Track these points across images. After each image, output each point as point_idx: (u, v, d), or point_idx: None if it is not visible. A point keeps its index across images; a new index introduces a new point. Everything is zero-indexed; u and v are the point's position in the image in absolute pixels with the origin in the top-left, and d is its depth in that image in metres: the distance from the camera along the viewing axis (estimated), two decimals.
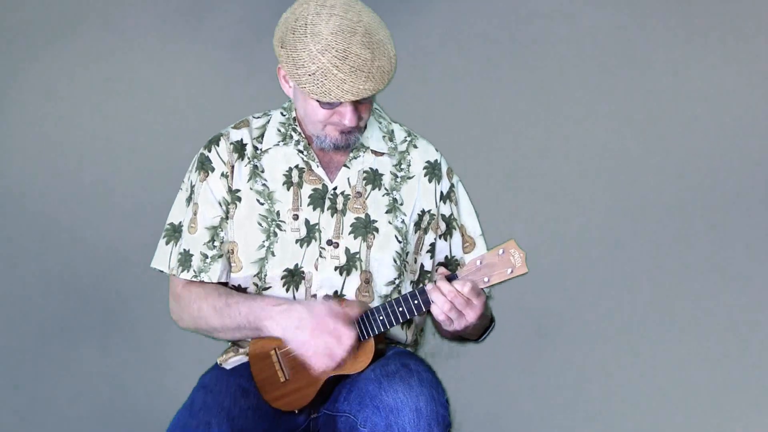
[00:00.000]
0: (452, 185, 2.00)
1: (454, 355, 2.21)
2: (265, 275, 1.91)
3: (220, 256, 1.93)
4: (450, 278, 1.77)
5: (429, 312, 1.80)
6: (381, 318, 1.81)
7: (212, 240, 1.94)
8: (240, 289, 1.94)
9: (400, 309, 1.79)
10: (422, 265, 1.98)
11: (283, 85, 1.90)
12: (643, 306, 3.15)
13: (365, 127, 1.92)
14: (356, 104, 1.81)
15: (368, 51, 1.75)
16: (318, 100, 1.80)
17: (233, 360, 1.96)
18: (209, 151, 1.96)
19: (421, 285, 1.96)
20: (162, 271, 1.99)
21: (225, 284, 1.95)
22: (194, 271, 1.93)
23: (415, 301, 1.79)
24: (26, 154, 3.20)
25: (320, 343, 1.79)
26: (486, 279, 1.75)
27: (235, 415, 1.78)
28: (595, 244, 3.16)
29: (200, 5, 3.19)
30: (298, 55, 1.76)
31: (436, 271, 1.98)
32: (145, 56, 3.24)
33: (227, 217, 1.94)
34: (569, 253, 3.17)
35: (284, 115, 1.98)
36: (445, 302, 1.74)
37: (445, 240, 1.99)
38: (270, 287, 1.91)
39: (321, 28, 1.75)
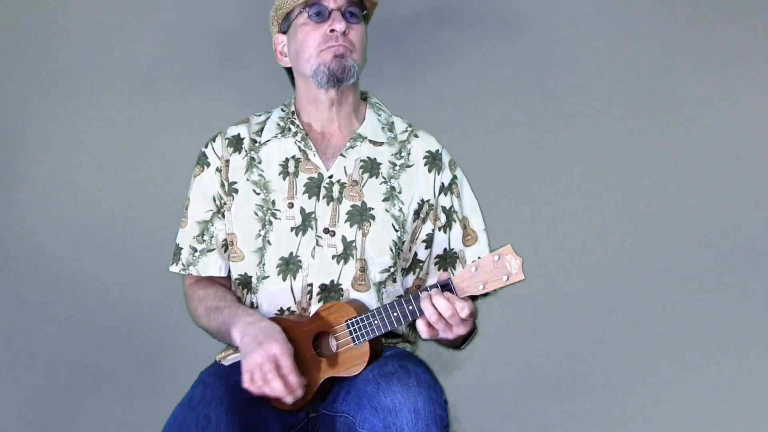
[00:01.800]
0: (455, 177, 2.00)
1: (455, 362, 2.19)
2: (264, 264, 1.93)
3: (210, 251, 1.98)
4: (444, 286, 1.73)
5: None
6: (376, 322, 1.80)
7: (202, 234, 1.98)
8: (246, 279, 1.95)
9: (395, 314, 1.78)
10: (416, 254, 1.98)
11: (281, 60, 1.99)
12: (659, 334, 3.09)
13: (360, 63, 1.95)
14: (345, 22, 1.89)
15: None
16: (307, 12, 1.89)
17: (232, 357, 1.97)
18: (206, 147, 2.01)
19: (415, 290, 1.96)
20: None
21: (227, 278, 1.99)
22: (182, 264, 1.99)
23: (410, 307, 1.77)
24: (49, 211, 3.11)
25: (255, 364, 1.77)
26: (481, 286, 1.70)
27: (234, 410, 1.79)
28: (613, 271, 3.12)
29: (224, 57, 3.11)
30: None
31: (435, 264, 1.98)
32: (172, 110, 3.13)
33: (220, 212, 1.97)
34: (584, 278, 3.13)
35: (284, 111, 2.03)
36: (434, 313, 1.72)
37: (444, 232, 1.99)
38: (268, 276, 1.93)
39: None
